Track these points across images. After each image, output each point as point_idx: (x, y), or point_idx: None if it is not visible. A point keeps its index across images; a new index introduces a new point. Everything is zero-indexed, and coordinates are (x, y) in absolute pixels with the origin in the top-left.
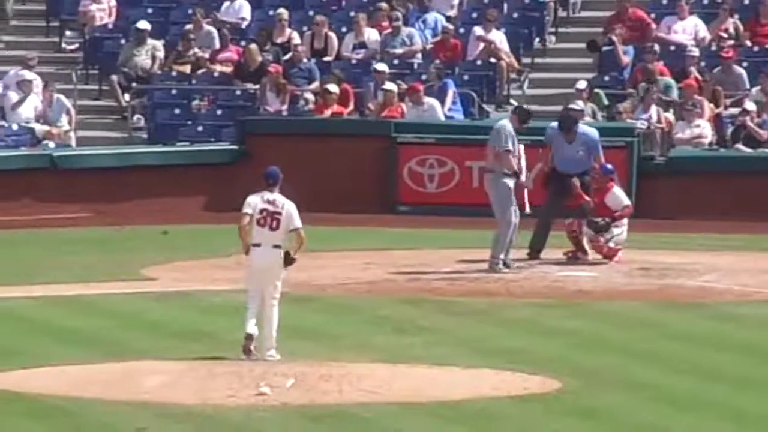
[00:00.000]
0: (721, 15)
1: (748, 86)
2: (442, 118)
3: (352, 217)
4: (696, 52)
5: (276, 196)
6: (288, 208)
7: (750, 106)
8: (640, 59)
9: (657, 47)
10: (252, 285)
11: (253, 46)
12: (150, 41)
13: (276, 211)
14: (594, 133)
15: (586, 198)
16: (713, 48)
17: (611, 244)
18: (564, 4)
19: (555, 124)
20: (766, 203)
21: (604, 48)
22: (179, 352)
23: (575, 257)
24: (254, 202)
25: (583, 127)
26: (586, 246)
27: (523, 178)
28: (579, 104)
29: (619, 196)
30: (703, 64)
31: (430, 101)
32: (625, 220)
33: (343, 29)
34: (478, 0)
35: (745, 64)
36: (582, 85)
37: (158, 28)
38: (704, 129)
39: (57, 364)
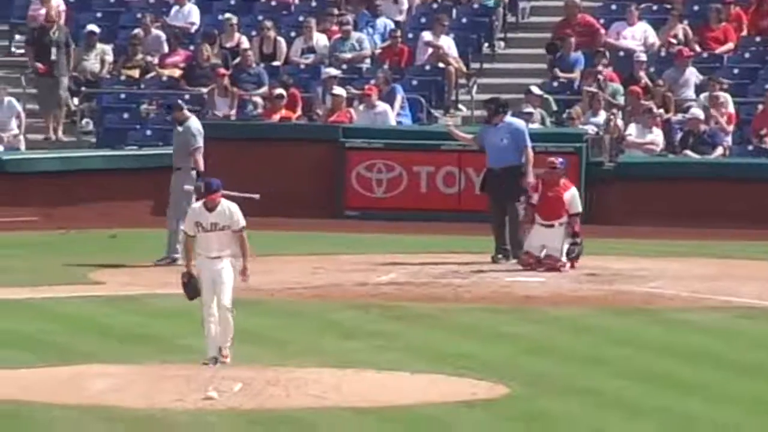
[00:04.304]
0: (670, 21)
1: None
2: (393, 122)
3: (300, 221)
4: (644, 57)
5: None
6: None
7: (697, 112)
8: (591, 64)
9: (607, 53)
10: None
11: (207, 46)
12: (99, 45)
13: None
14: (521, 123)
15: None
16: (662, 54)
17: (564, 259)
18: (513, 9)
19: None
20: (715, 209)
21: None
22: (127, 355)
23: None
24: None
25: (511, 118)
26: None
27: None
28: (529, 108)
29: (577, 197)
30: (652, 69)
31: (383, 105)
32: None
33: (293, 34)
34: (427, 5)
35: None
36: (536, 90)
37: (107, 32)
38: (657, 136)
39: (4, 368)
